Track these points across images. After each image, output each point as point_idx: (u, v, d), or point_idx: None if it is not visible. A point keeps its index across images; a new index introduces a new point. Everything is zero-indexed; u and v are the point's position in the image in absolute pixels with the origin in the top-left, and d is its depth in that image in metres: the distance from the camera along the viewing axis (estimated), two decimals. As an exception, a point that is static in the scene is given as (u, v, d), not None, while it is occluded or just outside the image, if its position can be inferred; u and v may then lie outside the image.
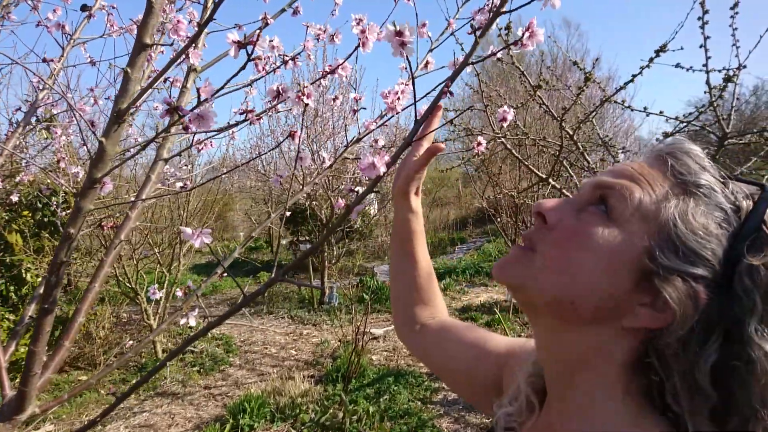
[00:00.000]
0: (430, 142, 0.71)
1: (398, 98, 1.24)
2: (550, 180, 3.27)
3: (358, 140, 1.52)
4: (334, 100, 1.82)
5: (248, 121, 0.90)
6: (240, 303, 0.84)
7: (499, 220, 5.60)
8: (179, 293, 1.15)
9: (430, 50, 1.53)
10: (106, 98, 1.67)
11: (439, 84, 0.71)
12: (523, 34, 0.66)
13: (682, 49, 2.44)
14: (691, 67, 2.82)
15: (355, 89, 1.53)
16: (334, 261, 5.81)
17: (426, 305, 0.72)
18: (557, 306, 0.42)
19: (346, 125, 4.79)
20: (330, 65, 1.38)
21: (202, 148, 2.01)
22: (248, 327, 5.60)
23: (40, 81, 1.72)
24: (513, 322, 4.93)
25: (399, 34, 0.67)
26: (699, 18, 2.41)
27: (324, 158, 1.96)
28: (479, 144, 1.48)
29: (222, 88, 0.68)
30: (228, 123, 0.91)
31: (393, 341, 4.59)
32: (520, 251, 0.46)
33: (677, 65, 2.75)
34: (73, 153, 3.23)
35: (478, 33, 0.68)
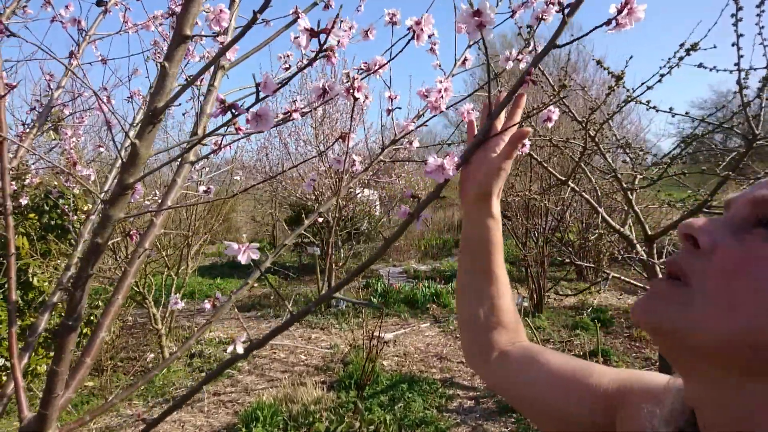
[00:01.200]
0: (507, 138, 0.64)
1: (441, 96, 1.16)
2: (569, 182, 3.18)
3: (395, 142, 1.44)
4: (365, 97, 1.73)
5: (291, 120, 0.83)
6: (287, 321, 0.77)
7: (510, 222, 5.52)
8: (207, 305, 1.08)
9: (469, 46, 1.45)
10: (127, 98, 1.59)
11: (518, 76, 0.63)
12: (620, 10, 0.57)
13: (715, 47, 2.35)
14: (714, 67, 2.74)
15: (389, 87, 1.44)
16: (341, 263, 5.74)
17: (505, 329, 0.63)
18: (732, 352, 0.34)
19: (364, 123, 4.69)
20: (365, 62, 1.30)
21: (217, 150, 1.93)
22: (281, 340, 5.51)
23: (52, 79, 1.65)
24: (525, 327, 4.84)
25: (477, 14, 0.59)
26: (732, 15, 2.33)
27: (354, 161, 1.88)
28: (523, 145, 1.39)
29: (282, 85, 0.60)
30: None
31: (403, 346, 4.51)
32: (669, 286, 0.38)
33: (700, 65, 2.67)
34: (81, 155, 3.15)
35: (566, 11, 0.60)
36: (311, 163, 5.49)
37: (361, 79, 0.79)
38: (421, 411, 3.14)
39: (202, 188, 1.41)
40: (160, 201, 1.12)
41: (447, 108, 1.27)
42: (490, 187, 0.62)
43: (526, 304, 5.10)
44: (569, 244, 5.30)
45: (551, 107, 1.06)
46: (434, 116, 1.30)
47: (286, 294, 6.24)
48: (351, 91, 0.79)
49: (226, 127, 0.59)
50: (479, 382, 3.70)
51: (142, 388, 4.19)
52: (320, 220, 5.59)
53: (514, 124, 0.63)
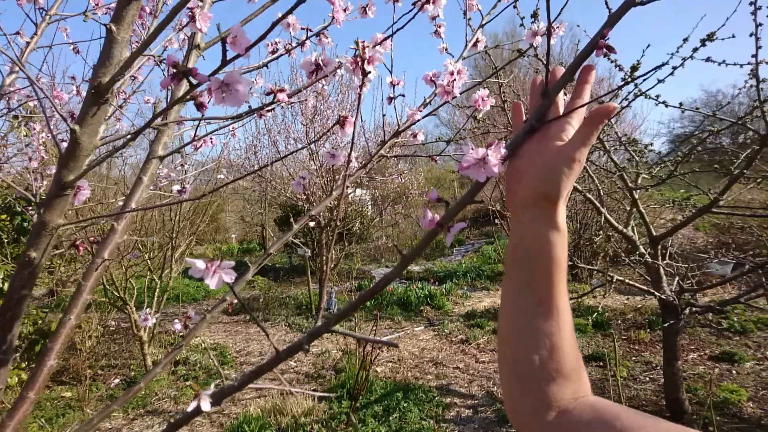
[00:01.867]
0: (579, 121, 0.48)
1: (454, 80, 1.01)
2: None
3: (398, 134, 1.28)
4: (362, 80, 1.57)
5: (278, 104, 0.66)
6: (271, 361, 0.60)
7: (502, 222, 5.39)
8: (177, 326, 0.91)
9: (481, 26, 1.29)
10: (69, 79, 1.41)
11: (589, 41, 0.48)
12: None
13: (733, 37, 2.23)
14: (724, 61, 2.62)
15: (390, 72, 1.28)
16: (332, 265, 5.57)
17: (567, 379, 0.46)
18: None
19: (361, 116, 4.51)
20: (362, 41, 1.14)
21: (200, 146, 1.75)
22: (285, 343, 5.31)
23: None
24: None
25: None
26: (750, 3, 2.20)
27: (351, 157, 1.71)
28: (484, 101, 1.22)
29: (254, 45, 0.44)
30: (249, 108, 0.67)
31: (397, 351, 4.36)
32: None
33: (708, 59, 2.55)
34: (54, 152, 2.95)
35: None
36: (302, 161, 5.31)
37: (372, 48, 0.63)
38: (417, 422, 2.99)
39: (176, 188, 1.24)
40: (123, 203, 0.95)
41: (461, 93, 1.11)
42: (556, 187, 0.46)
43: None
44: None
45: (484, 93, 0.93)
46: (445, 103, 1.14)
47: (276, 296, 6.05)
48: (359, 64, 0.63)
49: (177, 106, 0.42)
50: (477, 389, 3.56)
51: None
52: (312, 223, 5.42)
53: (583, 105, 0.47)
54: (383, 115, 1.37)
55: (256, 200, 8.88)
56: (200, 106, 0.41)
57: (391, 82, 1.27)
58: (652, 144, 3.19)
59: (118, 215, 0.88)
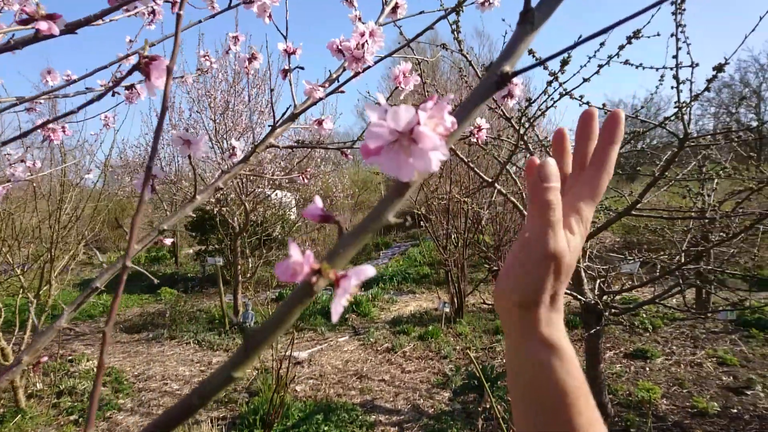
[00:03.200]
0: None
1: (366, 42, 0.75)
2: (497, 185, 2.94)
3: (294, 117, 1.01)
4: (250, 60, 1.27)
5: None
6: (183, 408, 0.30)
7: (428, 223, 5.29)
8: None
9: (401, -14, 1.06)
10: None
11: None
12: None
13: (658, 35, 2.20)
14: (641, 64, 2.62)
15: (285, 37, 1.00)
16: (249, 274, 5.10)
17: None
18: None
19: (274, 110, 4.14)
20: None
21: (51, 136, 1.36)
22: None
23: None
24: (447, 334, 4.62)
25: None
26: (672, 2, 2.17)
27: (234, 148, 1.40)
28: (479, 129, 1.13)
29: None
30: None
31: (319, 365, 4.05)
32: None
33: (626, 62, 2.53)
34: None
35: None
36: (214, 161, 4.82)
37: None
38: (339, 447, 2.72)
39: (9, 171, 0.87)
40: None
41: (377, 62, 0.86)
42: (540, 290, 0.36)
43: (447, 309, 4.88)
44: (487, 246, 5.20)
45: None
46: (356, 76, 0.88)
47: (185, 310, 5.47)
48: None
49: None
50: (402, 402, 3.36)
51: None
52: (234, 225, 4.94)
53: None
54: (271, 91, 1.09)
55: (170, 203, 8.10)
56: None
57: (286, 50, 0.99)
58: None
59: None
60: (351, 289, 0.31)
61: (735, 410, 3.02)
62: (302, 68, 1.04)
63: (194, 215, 6.02)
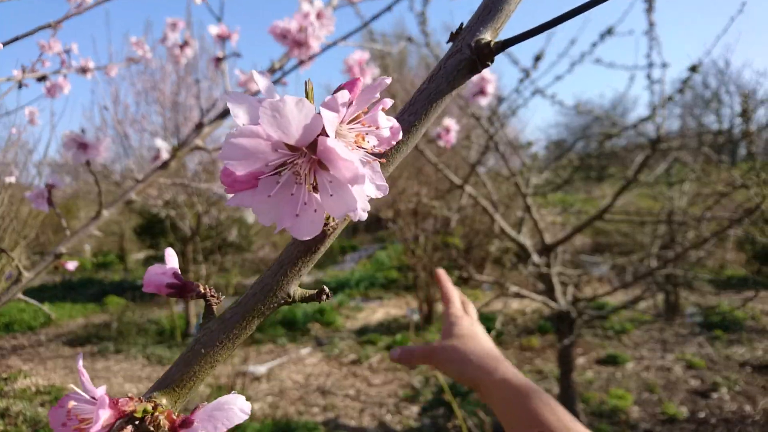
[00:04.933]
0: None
1: (310, 25, 0.55)
2: (466, 186, 2.82)
3: (227, 114, 0.79)
4: (182, 47, 1.05)
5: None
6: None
7: (396, 224, 5.11)
8: None
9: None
10: None
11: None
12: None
13: (632, 33, 2.09)
14: (612, 63, 2.52)
15: (218, 19, 0.81)
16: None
17: None
18: None
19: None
20: None
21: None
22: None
23: None
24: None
25: None
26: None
27: (159, 150, 1.17)
28: (448, 131, 0.92)
29: None
30: None
31: (279, 380, 3.78)
32: None
33: (597, 61, 2.43)
34: None
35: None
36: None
37: None
38: (299, 474, 2.48)
39: None
40: None
41: (325, 49, 0.65)
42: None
43: (416, 317, 4.71)
44: (457, 250, 5.07)
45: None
46: (301, 64, 0.69)
47: (133, 321, 5.06)
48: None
49: None
50: (368, 419, 3.15)
51: None
52: (186, 229, 4.59)
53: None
54: (196, 82, 0.85)
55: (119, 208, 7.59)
56: None
57: (220, 35, 0.79)
58: (531, 144, 3.10)
59: None
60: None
61: (702, 414, 2.98)
62: (239, 55, 0.83)
63: (144, 218, 5.61)
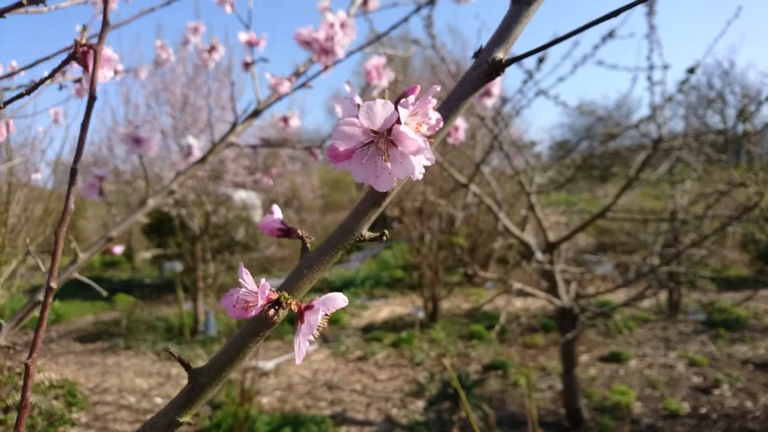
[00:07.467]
0: None
1: (335, 34, 0.63)
2: (471, 185, 2.88)
3: (257, 114, 0.86)
4: (210, 51, 1.12)
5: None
6: None
7: (402, 223, 5.18)
8: None
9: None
10: None
11: None
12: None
13: (632, 35, 2.15)
14: (615, 65, 2.58)
15: (247, 27, 0.88)
16: (210, 280, 4.84)
17: None
18: None
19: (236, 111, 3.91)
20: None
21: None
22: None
23: None
24: (420, 340, 4.50)
25: None
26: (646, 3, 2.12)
27: (191, 147, 1.24)
28: (456, 129, 0.99)
29: None
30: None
31: (287, 376, 3.86)
32: None
33: (600, 63, 2.48)
34: None
35: None
36: (170, 160, 4.55)
37: None
38: (308, 465, 2.55)
39: None
40: None
41: (348, 55, 0.72)
42: None
43: (421, 315, 4.77)
44: (462, 249, 5.13)
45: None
46: (325, 70, 0.76)
47: (142, 318, 5.15)
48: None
49: None
50: (375, 413, 3.22)
51: None
52: (194, 228, 4.67)
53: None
54: (232, 85, 0.94)
55: (125, 204, 7.69)
56: None
57: (249, 41, 0.86)
58: (535, 144, 3.15)
59: None
60: (318, 322, 0.30)
61: (704, 410, 3.03)
62: (266, 60, 0.90)
63: (152, 218, 5.70)
